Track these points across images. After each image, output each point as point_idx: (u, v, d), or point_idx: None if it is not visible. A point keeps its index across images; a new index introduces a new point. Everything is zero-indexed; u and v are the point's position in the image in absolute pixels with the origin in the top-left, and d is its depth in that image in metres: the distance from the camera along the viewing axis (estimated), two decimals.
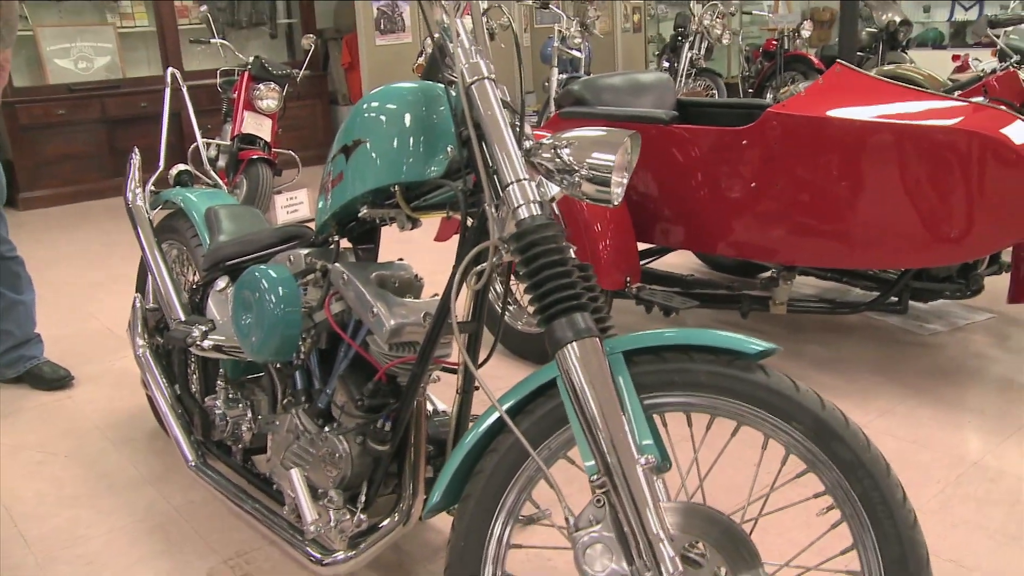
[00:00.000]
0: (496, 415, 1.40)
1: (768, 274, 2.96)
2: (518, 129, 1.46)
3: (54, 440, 2.73)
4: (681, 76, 8.30)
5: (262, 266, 1.78)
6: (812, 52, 9.57)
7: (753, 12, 10.88)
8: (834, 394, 2.79)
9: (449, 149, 1.55)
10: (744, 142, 2.72)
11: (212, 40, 5.71)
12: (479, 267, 1.47)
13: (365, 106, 1.64)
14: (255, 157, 5.37)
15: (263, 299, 1.71)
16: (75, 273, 4.70)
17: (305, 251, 1.85)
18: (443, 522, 2.09)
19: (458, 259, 1.56)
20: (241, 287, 1.79)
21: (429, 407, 1.95)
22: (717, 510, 1.31)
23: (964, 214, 2.50)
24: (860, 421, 2.63)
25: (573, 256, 1.57)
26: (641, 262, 3.26)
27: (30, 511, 2.32)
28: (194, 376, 2.34)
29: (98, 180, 7.08)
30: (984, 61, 6.10)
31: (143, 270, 2.70)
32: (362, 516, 1.70)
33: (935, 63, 6.66)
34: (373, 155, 1.58)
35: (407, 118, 1.57)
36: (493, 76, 1.44)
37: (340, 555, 1.73)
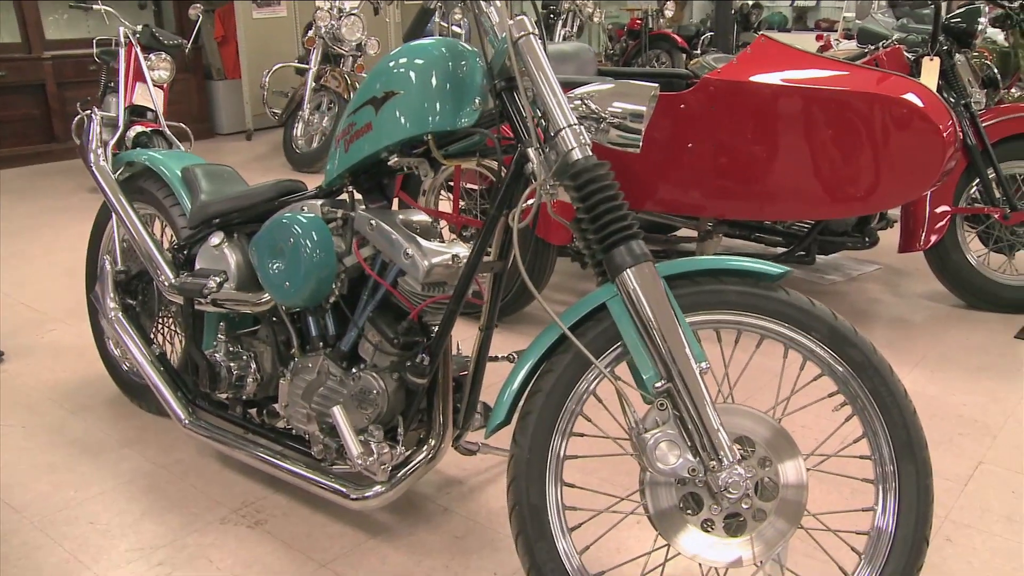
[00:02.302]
0: (551, 337, 1.55)
1: (704, 228, 3.22)
2: None
3: (4, 412, 2.64)
4: None
5: (290, 214, 1.84)
6: (672, 30, 10.04)
7: None
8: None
9: (477, 101, 1.68)
10: (682, 106, 2.95)
11: (95, 6, 5.44)
12: (523, 205, 1.60)
13: (392, 62, 1.73)
14: (149, 130, 5.19)
15: (298, 245, 1.78)
16: None
17: (319, 202, 1.91)
18: (442, 460, 2.21)
19: (494, 202, 1.69)
20: (270, 236, 1.84)
21: None
22: (756, 409, 1.51)
23: (872, 170, 2.83)
24: (777, 365, 2.93)
25: None
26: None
27: (5, 480, 2.26)
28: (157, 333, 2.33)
29: None
30: (842, 42, 6.68)
31: (97, 233, 2.64)
32: (402, 448, 1.80)
33: (798, 43, 7.23)
34: (408, 105, 1.68)
35: (438, 72, 1.68)
36: (537, 32, 1.57)
37: (371, 491, 1.82)
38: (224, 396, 2.18)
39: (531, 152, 1.56)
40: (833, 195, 2.88)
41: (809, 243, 3.30)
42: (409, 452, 1.84)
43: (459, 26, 8.21)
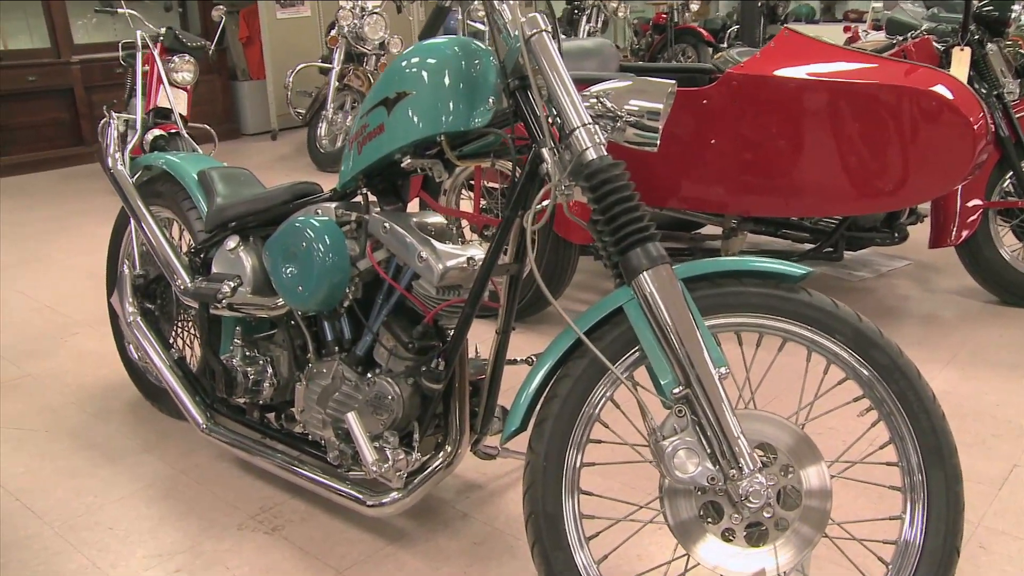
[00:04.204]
0: (567, 342, 1.51)
1: (729, 226, 3.17)
2: None
3: (28, 417, 2.65)
4: None
5: (303, 218, 1.82)
6: (698, 24, 9.94)
7: None
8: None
9: (491, 100, 1.64)
10: (704, 101, 2.90)
11: (120, 9, 5.47)
12: (538, 206, 1.56)
13: (405, 62, 1.70)
14: (173, 132, 5.21)
15: (311, 249, 1.76)
16: None
17: (333, 205, 1.89)
18: (461, 464, 2.18)
19: (508, 203, 1.65)
20: (283, 240, 1.82)
21: None
22: (778, 415, 1.47)
23: (900, 165, 2.75)
24: (800, 368, 2.87)
25: None
26: None
27: (28, 485, 2.27)
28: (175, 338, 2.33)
29: None
30: (870, 33, 6.56)
31: (118, 237, 2.64)
32: (417, 454, 1.78)
33: (825, 35, 7.11)
34: (420, 106, 1.65)
35: (451, 71, 1.64)
36: (549, 29, 1.53)
37: (387, 497, 1.80)
38: (241, 401, 2.17)
39: (545, 152, 1.53)
40: (860, 191, 2.81)
41: (836, 239, 3.23)
42: (426, 458, 1.82)
43: (483, 23, 8.19)
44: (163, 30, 5.40)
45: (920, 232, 3.41)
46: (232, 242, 2.12)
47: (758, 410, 1.47)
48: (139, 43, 2.99)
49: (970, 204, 3.19)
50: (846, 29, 6.94)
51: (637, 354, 1.48)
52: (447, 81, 1.64)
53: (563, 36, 6.47)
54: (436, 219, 1.86)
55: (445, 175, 1.79)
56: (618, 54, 3.67)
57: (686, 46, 9.45)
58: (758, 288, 1.50)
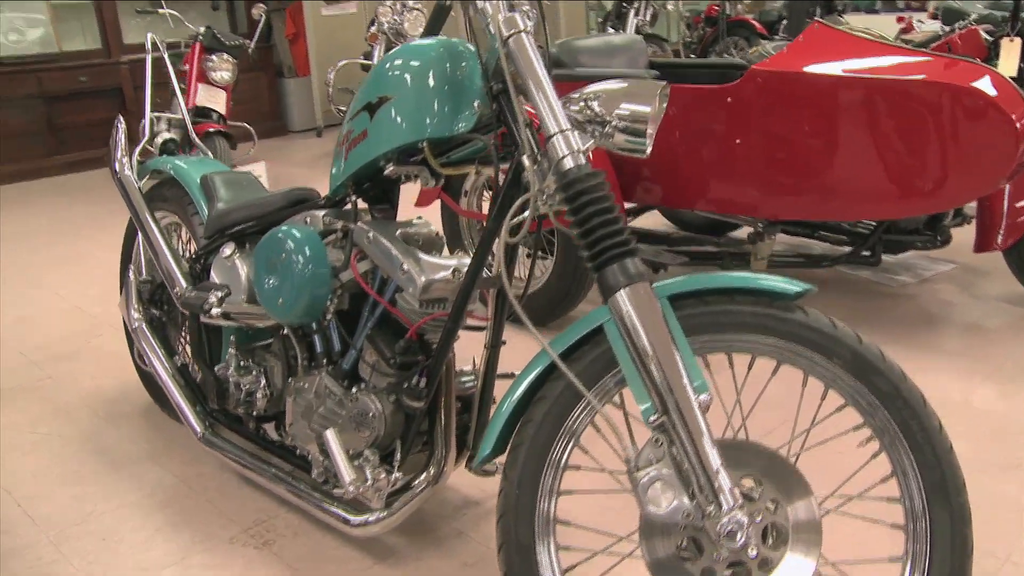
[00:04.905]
0: (543, 363, 1.43)
1: (755, 229, 3.04)
2: None
3: (44, 419, 2.67)
4: None
5: (285, 228, 1.77)
6: (751, 16, 9.69)
7: None
8: None
9: (476, 104, 1.57)
10: (728, 99, 2.77)
11: (160, 10, 5.53)
12: (518, 218, 1.48)
13: (389, 64, 1.63)
14: (211, 130, 5.25)
15: (290, 260, 1.71)
16: (31, 251, 4.56)
17: (322, 212, 1.84)
18: (460, 479, 2.12)
19: (491, 213, 1.58)
20: (265, 250, 1.77)
21: None
22: (765, 445, 1.36)
23: (939, 165, 2.60)
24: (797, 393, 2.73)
25: None
26: None
27: (32, 491, 2.27)
28: (183, 347, 2.31)
29: (38, 159, 6.83)
30: (925, 23, 6.28)
31: (129, 242, 2.64)
32: (398, 474, 1.71)
33: (877, 25, 6.83)
34: (401, 111, 1.58)
35: (434, 74, 1.57)
36: (530, 30, 1.45)
37: (373, 516, 1.74)
38: (239, 411, 2.14)
39: (526, 160, 1.45)
40: (894, 193, 2.65)
41: (874, 242, 3.08)
42: (410, 477, 1.75)
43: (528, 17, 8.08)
44: (202, 29, 5.44)
45: (966, 234, 3.22)
46: (228, 249, 2.09)
47: (747, 439, 1.37)
48: (148, 46, 2.95)
49: (1018, 205, 2.99)
50: (899, 19, 6.68)
51: (620, 374, 1.39)
52: (430, 85, 1.57)
53: (611, 30, 6.37)
54: (424, 229, 1.80)
55: (432, 182, 1.72)
56: (646, 49, 3.56)
57: (739, 39, 9.23)
58: (750, 307, 1.39)
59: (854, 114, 2.60)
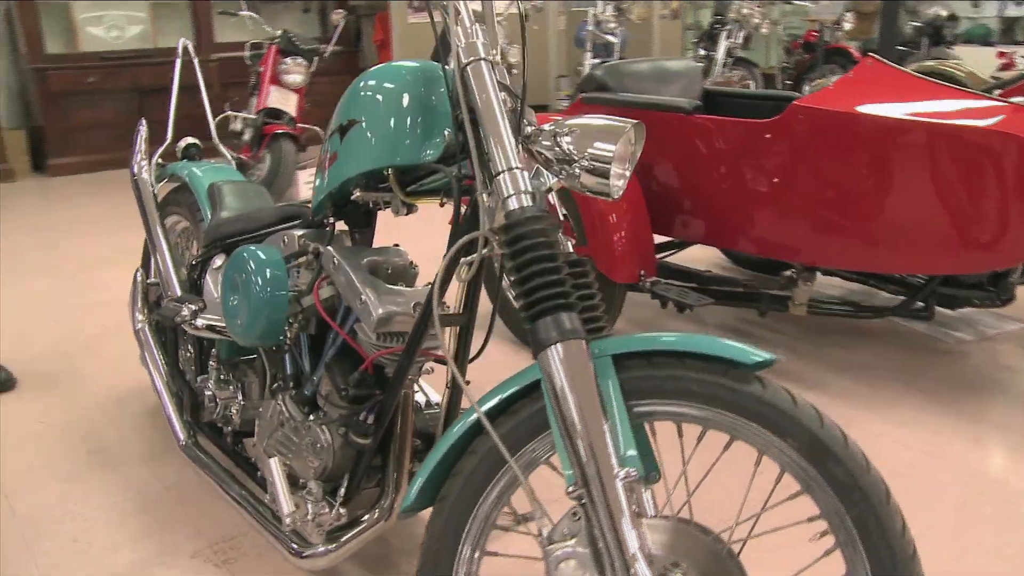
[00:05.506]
0: (473, 419, 1.34)
1: (788, 273, 2.86)
2: (517, 114, 1.39)
3: (54, 411, 2.71)
4: (717, 65, 8.14)
5: (251, 247, 1.72)
6: (854, 45, 9.33)
7: (794, 2, 10.66)
8: (853, 401, 2.69)
9: (447, 133, 1.48)
10: (768, 135, 2.61)
11: (240, 12, 5.66)
12: (469, 258, 1.40)
13: (362, 84, 1.57)
14: (279, 132, 5.33)
15: (249, 281, 1.66)
16: (93, 241, 4.70)
17: (300, 232, 1.79)
18: (427, 514, 2.03)
19: (449, 248, 1.49)
20: (230, 267, 1.73)
21: (422, 399, 1.89)
22: (705, 528, 1.23)
23: (997, 220, 2.38)
24: (878, 431, 2.54)
25: (570, 249, 1.51)
26: (659, 255, 3.17)
27: (21, 485, 2.29)
28: (189, 355, 2.30)
29: (127, 149, 7.06)
30: None
31: (148, 243, 2.65)
32: (341, 510, 1.64)
33: (980, 60, 6.44)
34: (367, 136, 1.51)
35: (405, 98, 1.50)
36: (491, 57, 1.36)
37: (319, 548, 1.68)
38: (219, 424, 2.11)
39: (480, 196, 1.36)
40: (946, 247, 2.44)
41: (927, 295, 2.86)
42: (360, 513, 1.68)
43: (614, 35, 7.97)
44: (279, 33, 5.54)
45: None
46: (219, 260, 2.07)
47: (689, 519, 1.24)
48: (179, 50, 2.98)
49: None
50: (1000, 55, 6.27)
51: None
52: (400, 110, 1.50)
53: (701, 51, 6.19)
54: (397, 257, 1.73)
55: (404, 211, 1.64)
56: (701, 77, 3.42)
57: (834, 66, 8.89)
58: (701, 374, 1.26)
59: (899, 159, 2.40)
